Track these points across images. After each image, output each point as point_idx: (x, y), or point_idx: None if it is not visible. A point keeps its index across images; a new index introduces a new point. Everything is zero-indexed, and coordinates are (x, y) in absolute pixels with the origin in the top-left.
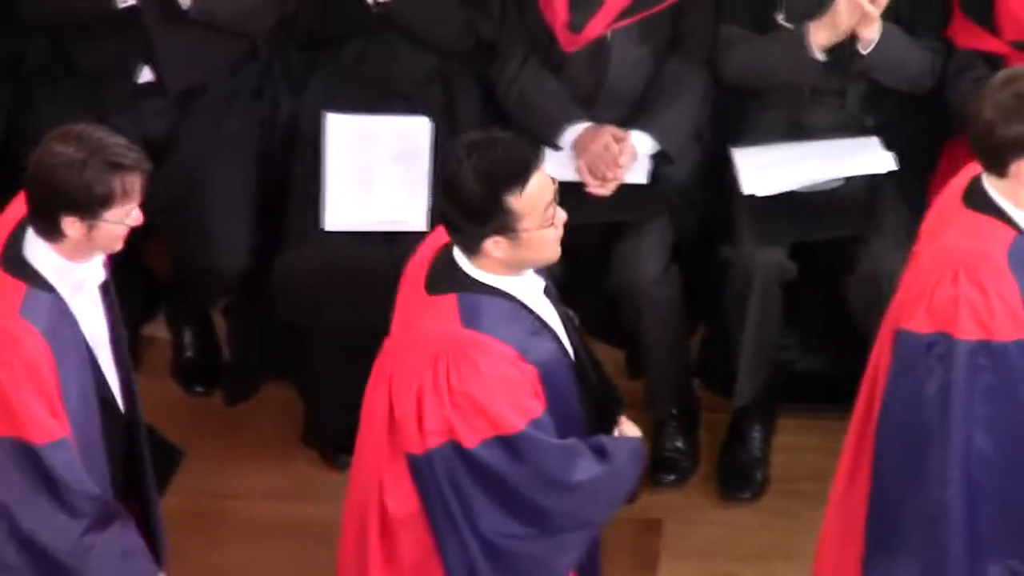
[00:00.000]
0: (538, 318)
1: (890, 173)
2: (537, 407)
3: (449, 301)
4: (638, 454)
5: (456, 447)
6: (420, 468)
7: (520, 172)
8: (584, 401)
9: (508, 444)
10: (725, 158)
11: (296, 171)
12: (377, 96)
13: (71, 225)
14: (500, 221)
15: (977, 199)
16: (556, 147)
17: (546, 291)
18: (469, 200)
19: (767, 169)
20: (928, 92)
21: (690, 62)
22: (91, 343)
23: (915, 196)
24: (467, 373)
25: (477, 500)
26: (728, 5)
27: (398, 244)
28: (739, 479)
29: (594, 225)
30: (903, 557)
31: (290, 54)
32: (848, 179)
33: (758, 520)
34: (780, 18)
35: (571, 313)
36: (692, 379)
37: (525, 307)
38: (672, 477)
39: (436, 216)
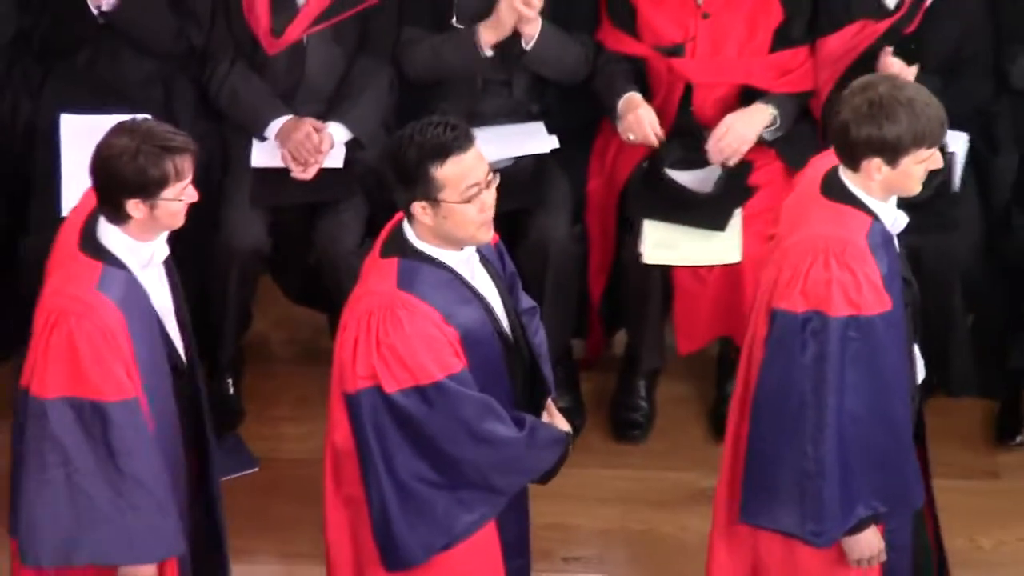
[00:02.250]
0: (471, 289)
1: (553, 152)
2: (456, 364)
3: (391, 264)
4: (560, 442)
5: (379, 391)
6: (351, 406)
7: (446, 147)
8: (514, 377)
9: (424, 393)
10: None
11: (36, 166)
12: (105, 97)
13: (135, 207)
14: (423, 187)
15: (835, 190)
16: (262, 138)
17: (496, 276)
18: (402, 165)
19: None
20: (583, 81)
21: (377, 60)
22: (160, 314)
23: (576, 172)
24: (393, 328)
25: (393, 441)
26: (409, 9)
27: None
28: None
29: (298, 205)
30: (782, 505)
31: (28, 62)
32: (518, 159)
33: None
34: (453, 21)
35: (535, 304)
36: None
37: (459, 278)
38: None
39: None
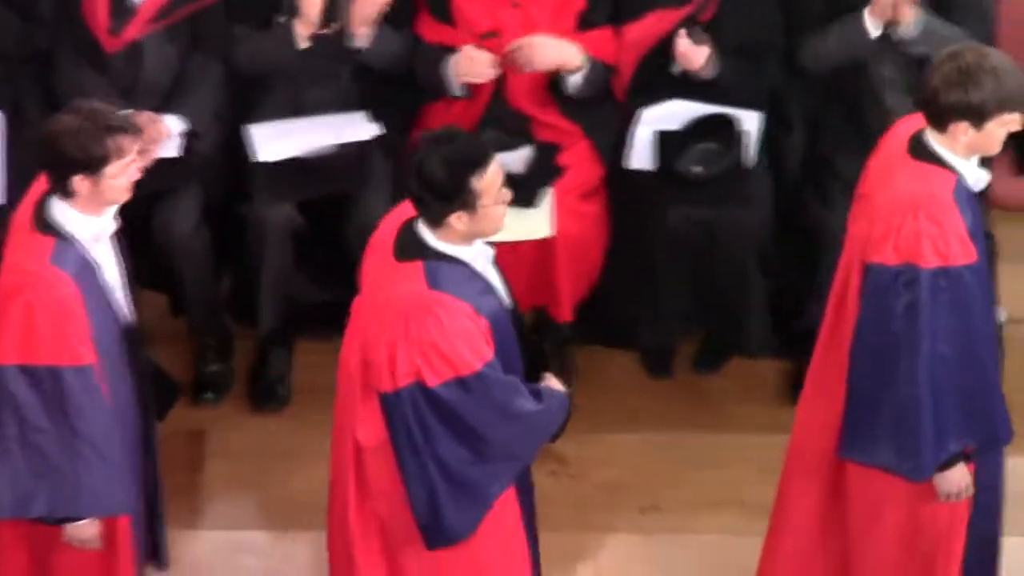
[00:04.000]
0: (486, 281)
1: (376, 139)
2: (489, 352)
3: (416, 267)
4: (565, 405)
5: (421, 386)
6: (390, 404)
7: (482, 158)
8: (521, 352)
9: (465, 383)
10: (242, 132)
11: None
12: None
13: (80, 183)
14: (464, 199)
15: (921, 151)
16: None
17: (495, 262)
18: (440, 182)
19: (276, 140)
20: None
21: (209, 57)
22: (109, 286)
23: (397, 156)
24: (432, 326)
25: (436, 432)
26: (236, 9)
27: None
28: (266, 394)
29: (138, 194)
30: (881, 443)
31: None
32: (342, 145)
33: (285, 425)
34: (280, 18)
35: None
36: (224, 314)
37: (476, 272)
38: (211, 395)
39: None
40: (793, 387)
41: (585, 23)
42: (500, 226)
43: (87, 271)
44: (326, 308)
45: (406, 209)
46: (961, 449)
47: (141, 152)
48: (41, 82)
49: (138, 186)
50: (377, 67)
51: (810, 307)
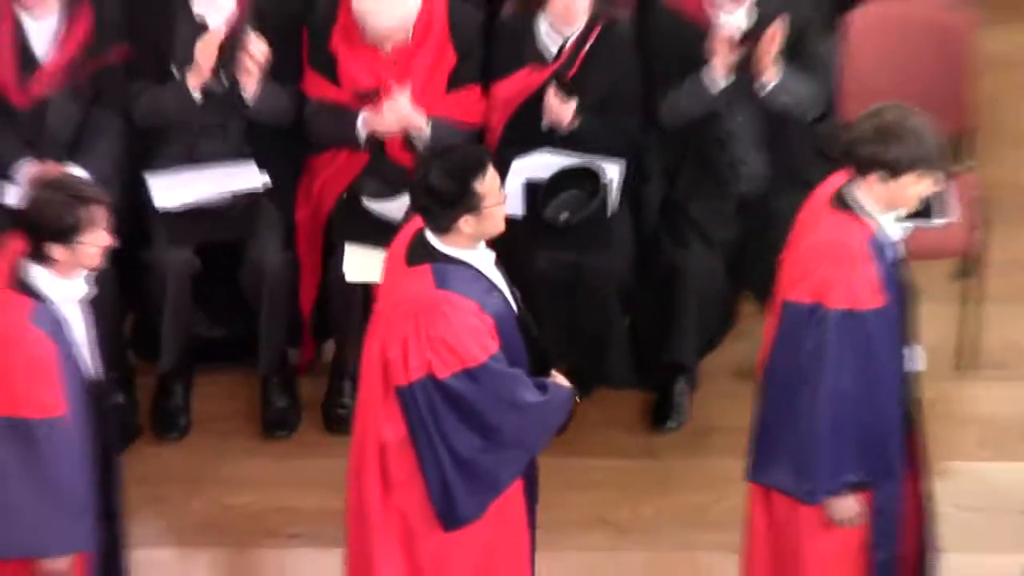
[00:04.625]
0: (490, 281)
1: (266, 188)
2: (494, 346)
3: (424, 269)
4: (569, 399)
5: (432, 379)
6: (405, 397)
7: (482, 162)
8: (527, 349)
9: (472, 375)
10: (142, 181)
11: None
12: None
13: (56, 251)
14: (469, 202)
15: (842, 202)
16: (11, 180)
17: (498, 264)
18: (446, 191)
19: (172, 188)
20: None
21: (109, 112)
22: (77, 342)
23: (286, 204)
24: (440, 323)
25: (447, 421)
26: (136, 65)
27: None
28: (167, 424)
29: None
30: (782, 466)
31: None
32: (234, 195)
33: (184, 453)
34: (176, 72)
35: (515, 288)
36: (127, 351)
37: (481, 273)
38: None
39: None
40: (654, 414)
41: (455, 81)
42: (502, 226)
43: (60, 329)
44: (222, 342)
45: (415, 222)
46: (857, 480)
47: None
48: None
49: None
50: (264, 120)
51: (668, 341)
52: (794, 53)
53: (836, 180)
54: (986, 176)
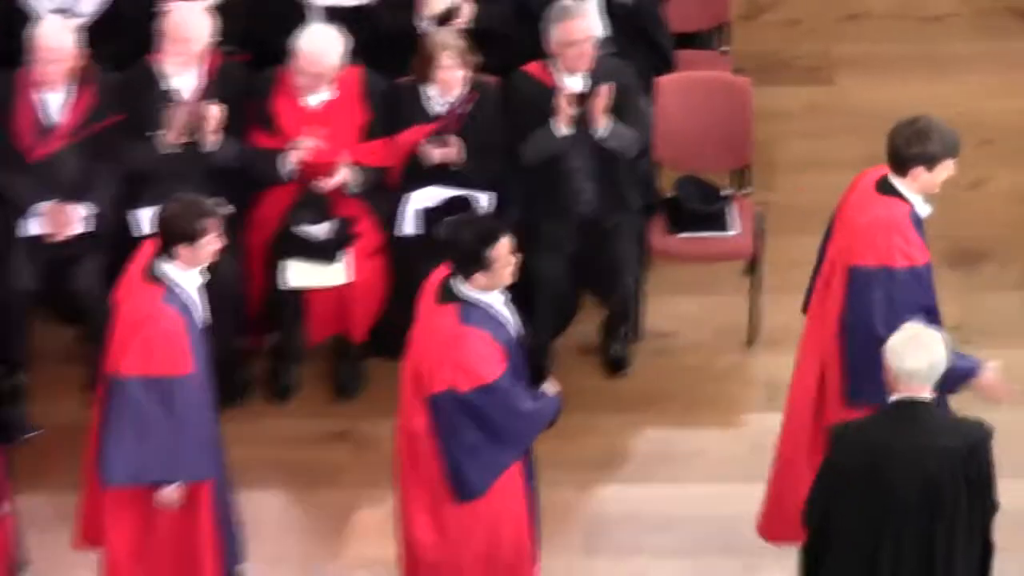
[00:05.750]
0: (502, 319)
1: (226, 217)
2: (503, 368)
3: (451, 308)
4: (557, 403)
5: (454, 392)
6: (434, 404)
7: (496, 234)
8: (528, 366)
9: (486, 390)
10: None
11: None
12: None
13: (182, 250)
14: (484, 264)
15: (887, 188)
16: (30, 216)
17: (506, 303)
18: (467, 253)
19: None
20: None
21: (108, 160)
22: (198, 316)
23: (238, 230)
24: (462, 350)
25: (463, 423)
26: (126, 127)
27: None
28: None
29: (59, 257)
30: (876, 386)
31: None
32: None
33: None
34: (154, 133)
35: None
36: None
37: (495, 312)
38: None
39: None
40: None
41: (368, 134)
42: (509, 280)
43: (187, 306)
44: None
45: (444, 268)
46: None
47: (58, 231)
48: None
49: (60, 251)
50: (222, 165)
51: (529, 327)
52: (620, 108)
53: (872, 175)
54: (763, 198)
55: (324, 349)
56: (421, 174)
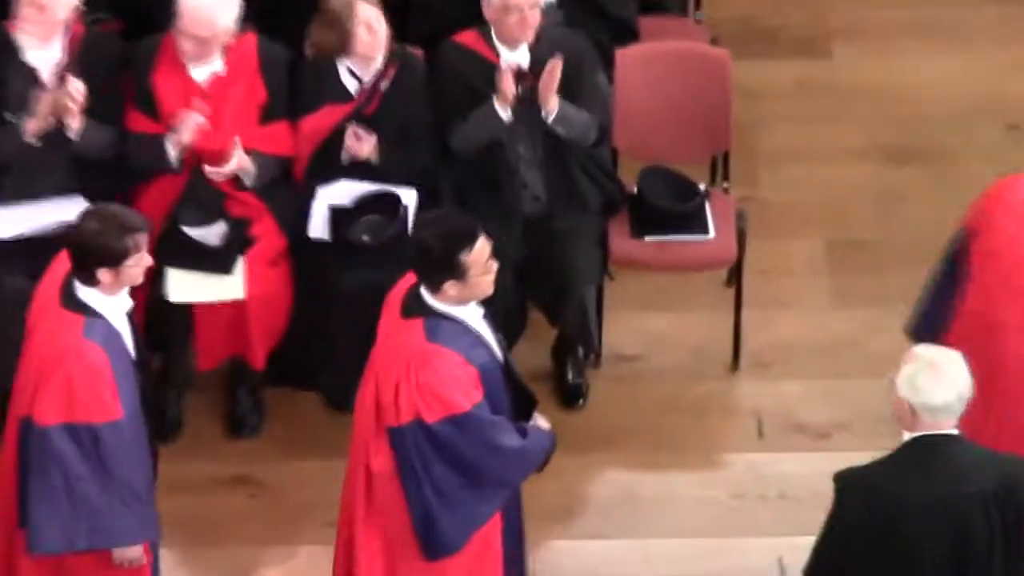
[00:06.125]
0: (477, 335)
1: None
2: (478, 396)
3: (417, 323)
4: (549, 440)
5: (420, 423)
6: (396, 437)
7: (471, 234)
8: (510, 396)
9: (456, 421)
10: None
11: None
12: None
13: (104, 274)
14: (455, 271)
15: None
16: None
17: (485, 317)
18: (434, 256)
19: (8, 221)
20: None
21: None
22: (127, 349)
23: None
24: (428, 372)
25: (432, 459)
26: None
27: None
28: None
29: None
30: None
31: None
32: (64, 224)
33: None
34: (11, 117)
35: (501, 337)
36: None
37: (469, 328)
38: None
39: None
40: None
41: (267, 115)
42: (488, 292)
43: (113, 339)
44: None
45: (411, 277)
46: None
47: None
48: None
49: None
50: (90, 154)
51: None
52: (572, 86)
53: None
54: (745, 194)
55: (216, 376)
56: (332, 166)
